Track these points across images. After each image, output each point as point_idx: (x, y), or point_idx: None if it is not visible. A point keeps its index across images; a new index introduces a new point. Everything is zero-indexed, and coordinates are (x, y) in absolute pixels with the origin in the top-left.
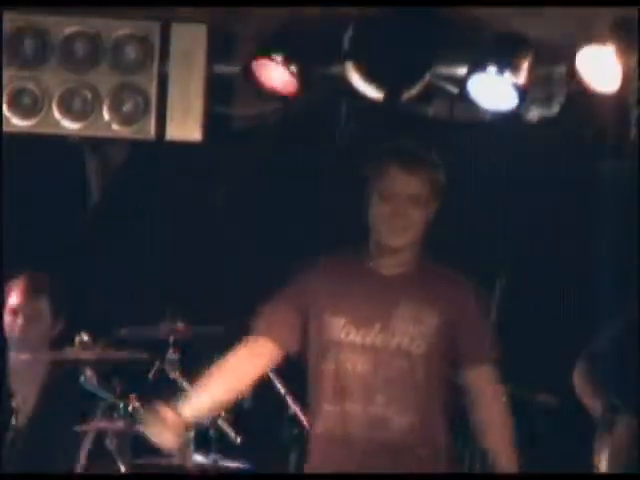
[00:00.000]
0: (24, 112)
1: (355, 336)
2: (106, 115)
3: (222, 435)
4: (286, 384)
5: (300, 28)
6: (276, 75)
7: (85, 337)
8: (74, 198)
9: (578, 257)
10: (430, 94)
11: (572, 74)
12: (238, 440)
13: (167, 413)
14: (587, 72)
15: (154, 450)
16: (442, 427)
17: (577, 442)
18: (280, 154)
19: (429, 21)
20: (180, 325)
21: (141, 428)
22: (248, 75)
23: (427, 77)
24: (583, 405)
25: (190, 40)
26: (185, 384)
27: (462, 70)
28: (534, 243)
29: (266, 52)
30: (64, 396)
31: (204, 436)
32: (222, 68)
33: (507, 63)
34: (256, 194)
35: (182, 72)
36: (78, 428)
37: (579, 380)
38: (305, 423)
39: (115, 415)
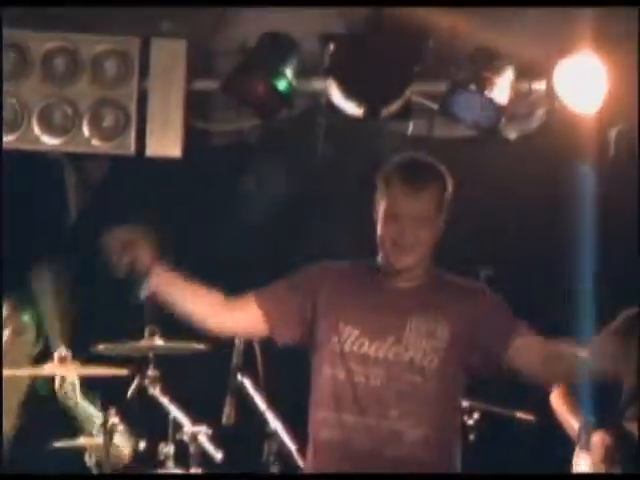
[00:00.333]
0: (4, 127)
1: (368, 348)
2: (86, 130)
3: (202, 451)
4: (268, 399)
5: (280, 44)
6: (255, 91)
7: (64, 352)
8: (53, 213)
9: (557, 275)
10: (409, 110)
11: (552, 91)
12: (219, 456)
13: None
14: (566, 89)
15: (132, 466)
16: (455, 444)
17: (555, 459)
18: (260, 169)
19: (408, 38)
20: (160, 341)
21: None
22: (227, 91)
23: (407, 94)
24: (557, 423)
25: (170, 56)
26: (165, 400)
27: (441, 87)
28: (512, 261)
29: (246, 68)
30: (43, 412)
31: (184, 452)
32: (202, 84)
33: (487, 79)
34: (238, 209)
35: (162, 87)
36: (57, 444)
37: (556, 400)
38: (285, 439)
39: (94, 431)
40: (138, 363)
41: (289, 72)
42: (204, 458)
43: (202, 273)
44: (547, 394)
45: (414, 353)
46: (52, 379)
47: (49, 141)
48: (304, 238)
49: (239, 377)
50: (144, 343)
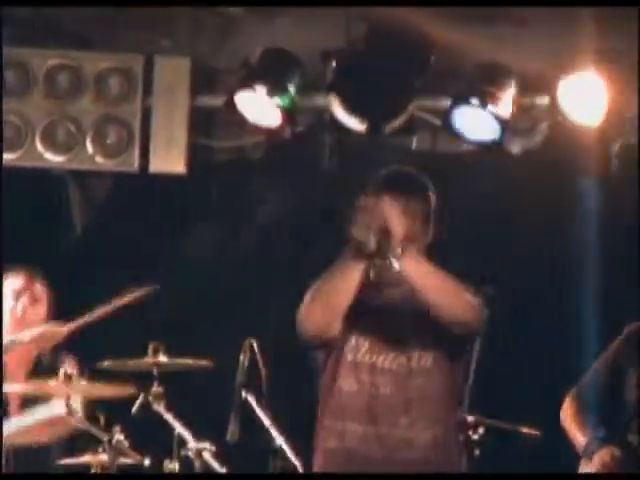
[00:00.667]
0: (7, 145)
1: (377, 358)
2: (90, 148)
3: (207, 468)
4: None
5: (283, 61)
6: (259, 107)
7: (69, 369)
8: (57, 230)
9: (561, 291)
10: (413, 126)
11: (555, 105)
12: (223, 473)
13: None
14: (568, 104)
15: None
16: (457, 440)
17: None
18: (263, 186)
19: (411, 53)
20: (164, 358)
21: None
22: (231, 108)
23: (410, 109)
24: (566, 437)
25: (173, 73)
26: (169, 417)
27: (445, 102)
28: (516, 279)
29: (249, 85)
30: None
31: (189, 468)
32: (205, 101)
33: (489, 94)
34: (241, 226)
35: (165, 105)
36: (62, 461)
37: (566, 417)
38: (290, 455)
39: (99, 448)
40: (142, 379)
41: (292, 88)
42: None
43: (205, 287)
44: (553, 409)
45: (417, 359)
46: None
47: (53, 158)
48: (308, 253)
49: (243, 393)
50: (148, 359)
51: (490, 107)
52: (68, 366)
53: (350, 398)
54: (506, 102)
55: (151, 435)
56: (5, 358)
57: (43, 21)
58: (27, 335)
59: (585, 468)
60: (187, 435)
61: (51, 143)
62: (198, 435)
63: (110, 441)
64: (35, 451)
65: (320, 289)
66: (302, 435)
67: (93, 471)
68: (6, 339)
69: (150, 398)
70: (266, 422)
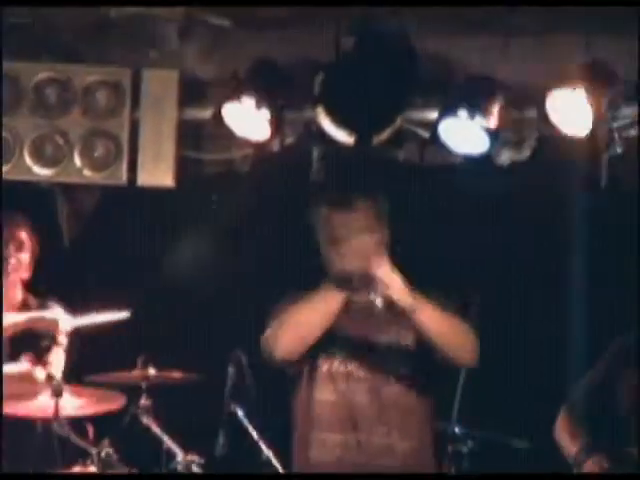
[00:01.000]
0: None
1: (350, 367)
2: (78, 161)
3: None
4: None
5: (271, 73)
6: (247, 120)
7: (57, 383)
8: (45, 243)
9: (550, 303)
10: (401, 138)
11: (543, 117)
12: None
13: None
14: (557, 115)
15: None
16: (435, 453)
17: None
18: (252, 198)
19: (399, 65)
20: (152, 371)
21: None
22: (219, 120)
23: (398, 121)
24: (557, 449)
25: (161, 86)
26: (158, 430)
27: (433, 114)
28: (505, 291)
29: (237, 97)
30: (36, 442)
31: None
32: (193, 113)
33: (478, 107)
34: (229, 239)
35: (153, 118)
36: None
37: (558, 430)
38: (278, 467)
39: (88, 461)
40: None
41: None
42: None
43: (194, 300)
44: (543, 421)
45: (390, 366)
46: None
47: (41, 172)
48: (296, 267)
49: (231, 406)
50: (137, 373)
51: (478, 119)
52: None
53: (328, 409)
54: (494, 114)
55: (140, 448)
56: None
57: (32, 35)
58: (24, 317)
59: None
60: (175, 448)
61: (39, 156)
62: (187, 448)
63: (99, 454)
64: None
65: (296, 319)
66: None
67: None
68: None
69: (139, 411)
70: (254, 435)
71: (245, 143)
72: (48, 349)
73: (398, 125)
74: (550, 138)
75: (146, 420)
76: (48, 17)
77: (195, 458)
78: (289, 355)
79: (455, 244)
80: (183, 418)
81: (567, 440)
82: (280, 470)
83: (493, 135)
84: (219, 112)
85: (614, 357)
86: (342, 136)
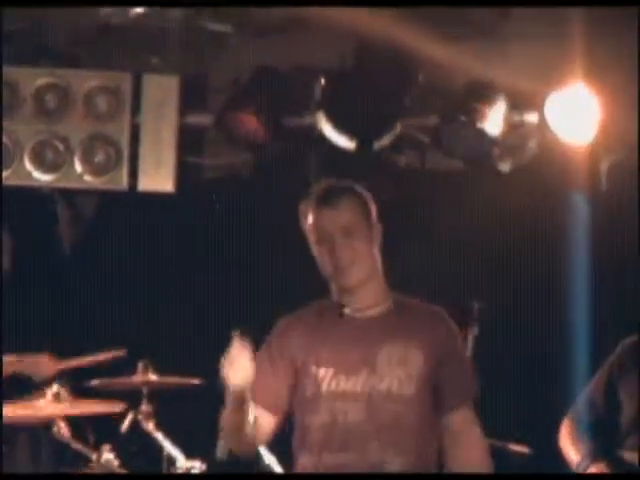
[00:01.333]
0: None
1: (345, 384)
2: (78, 166)
3: None
4: None
5: (272, 79)
6: (248, 126)
7: (57, 389)
8: (46, 248)
9: (550, 307)
10: (401, 144)
11: (544, 122)
12: None
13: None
14: (558, 121)
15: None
16: (433, 468)
17: None
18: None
19: (400, 71)
20: (153, 376)
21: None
22: (220, 126)
23: (398, 127)
24: (557, 455)
25: (162, 91)
26: (159, 435)
27: (433, 120)
28: (505, 296)
29: (238, 103)
30: (38, 448)
31: None
32: (194, 119)
33: (478, 112)
34: (228, 243)
35: (154, 123)
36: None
37: (562, 437)
38: (280, 471)
39: (88, 467)
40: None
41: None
42: None
43: (195, 304)
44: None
45: (390, 382)
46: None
47: (41, 177)
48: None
49: None
50: (138, 378)
51: (479, 124)
52: (55, 386)
53: (321, 431)
54: (495, 119)
55: (140, 454)
56: None
57: (32, 40)
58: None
59: None
60: (176, 453)
61: (39, 162)
62: (188, 453)
63: (99, 459)
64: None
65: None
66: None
67: None
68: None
69: (139, 417)
70: None
71: (245, 148)
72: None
73: (399, 130)
74: (551, 143)
75: (146, 426)
76: (47, 22)
77: (196, 464)
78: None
79: (455, 249)
80: (184, 423)
81: (570, 448)
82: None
83: (493, 139)
84: (221, 118)
85: (618, 360)
86: (343, 141)
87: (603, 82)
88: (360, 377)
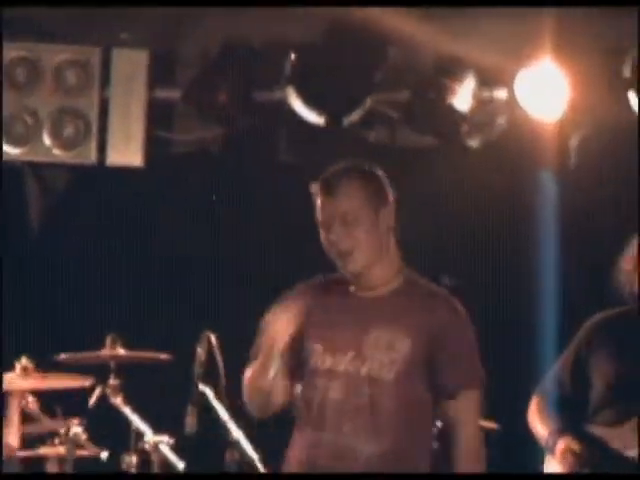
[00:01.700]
0: None
1: (331, 363)
2: (47, 140)
3: (165, 460)
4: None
5: (242, 54)
6: (217, 100)
7: (25, 362)
8: (13, 222)
9: (519, 284)
10: (371, 119)
11: (513, 99)
12: (181, 465)
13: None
14: (527, 97)
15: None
16: (421, 458)
17: (520, 468)
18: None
19: (369, 47)
20: (121, 351)
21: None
22: (189, 100)
23: (368, 102)
24: (526, 431)
25: (131, 65)
26: (127, 410)
27: (403, 95)
28: (474, 273)
29: (208, 78)
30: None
31: (146, 461)
32: (163, 93)
33: (447, 87)
34: (199, 217)
35: (123, 97)
36: (18, 453)
37: (530, 414)
38: (247, 448)
39: (56, 440)
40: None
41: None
42: (166, 467)
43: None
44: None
45: (370, 365)
46: None
47: (10, 150)
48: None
49: (201, 386)
50: (106, 352)
51: (448, 100)
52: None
53: (307, 405)
54: (465, 95)
55: (108, 428)
56: None
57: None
58: None
59: (549, 463)
60: (145, 428)
61: (8, 135)
62: (156, 428)
63: (67, 433)
64: None
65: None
66: (260, 428)
67: (50, 462)
68: None
69: (107, 391)
70: (223, 415)
71: (215, 123)
72: None
73: (369, 106)
74: (520, 119)
75: (114, 400)
76: None
77: (164, 438)
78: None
79: (424, 226)
80: (152, 398)
81: (538, 424)
82: (249, 450)
83: (463, 116)
84: (190, 92)
85: (584, 337)
86: (312, 117)
87: (572, 58)
88: (345, 357)
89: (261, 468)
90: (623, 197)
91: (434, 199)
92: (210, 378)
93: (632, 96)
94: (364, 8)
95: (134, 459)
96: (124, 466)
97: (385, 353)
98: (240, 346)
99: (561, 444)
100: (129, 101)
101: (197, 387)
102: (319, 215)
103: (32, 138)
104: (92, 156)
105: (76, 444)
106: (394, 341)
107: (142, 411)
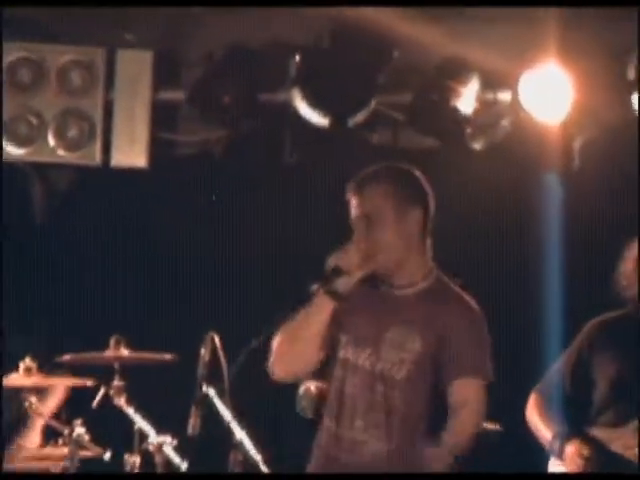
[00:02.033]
0: None
1: (352, 355)
2: (51, 141)
3: (168, 461)
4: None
5: (246, 55)
6: (221, 102)
7: (29, 363)
8: (19, 222)
9: (523, 286)
10: (375, 121)
11: (517, 101)
12: (184, 466)
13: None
14: (531, 99)
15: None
16: (414, 462)
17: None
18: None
19: (373, 49)
20: (125, 352)
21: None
22: (193, 102)
23: (372, 104)
24: (527, 432)
25: (135, 66)
26: (130, 410)
27: (407, 97)
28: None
29: (212, 79)
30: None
31: (149, 462)
32: (168, 94)
33: (451, 89)
34: (203, 218)
35: (127, 98)
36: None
37: (530, 413)
38: (251, 449)
39: (60, 441)
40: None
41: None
42: (169, 468)
43: (167, 281)
44: (515, 403)
45: (384, 364)
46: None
47: (14, 151)
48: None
49: (204, 388)
50: (110, 353)
51: (452, 102)
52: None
53: (331, 395)
54: (468, 97)
55: (112, 429)
56: None
57: (6, 15)
58: None
59: (554, 465)
60: (148, 429)
61: (13, 136)
62: (159, 429)
63: (71, 434)
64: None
65: (287, 338)
66: (264, 429)
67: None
68: None
69: (111, 392)
70: (227, 416)
71: (219, 125)
72: None
73: (372, 108)
74: (524, 121)
75: (118, 401)
76: None
77: (167, 439)
78: (286, 378)
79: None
80: (156, 399)
81: (539, 424)
82: (252, 451)
83: (467, 118)
84: (194, 94)
85: (586, 338)
86: (317, 118)
87: (576, 61)
88: (364, 353)
89: (264, 469)
90: (626, 199)
91: (437, 201)
92: (214, 379)
93: (636, 99)
94: (368, 9)
95: (137, 460)
96: (127, 467)
97: (397, 352)
98: (244, 347)
99: (570, 448)
100: (133, 102)
101: (201, 388)
102: (351, 214)
103: (37, 139)
104: (96, 157)
105: (79, 445)
106: (406, 341)
107: (146, 412)
